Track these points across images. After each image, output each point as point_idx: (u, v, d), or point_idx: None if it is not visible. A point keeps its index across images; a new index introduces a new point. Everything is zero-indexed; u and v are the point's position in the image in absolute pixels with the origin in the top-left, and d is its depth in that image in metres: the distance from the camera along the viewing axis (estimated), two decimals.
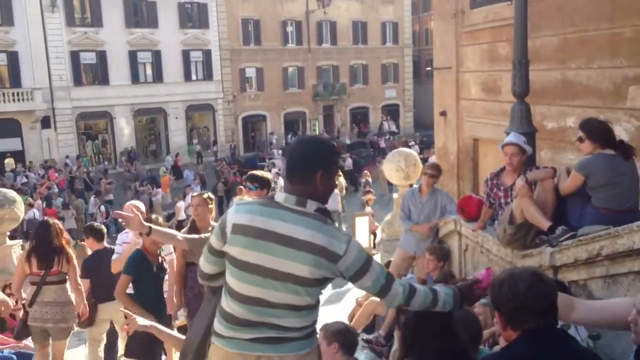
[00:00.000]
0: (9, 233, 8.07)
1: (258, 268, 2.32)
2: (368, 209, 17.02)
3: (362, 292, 8.55)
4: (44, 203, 20.43)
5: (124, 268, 4.95)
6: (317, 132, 39.93)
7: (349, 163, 27.45)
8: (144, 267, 4.79)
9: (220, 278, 2.54)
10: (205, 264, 2.59)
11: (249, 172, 5.61)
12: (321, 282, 2.35)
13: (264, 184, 5.09)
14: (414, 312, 2.70)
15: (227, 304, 2.44)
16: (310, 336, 2.46)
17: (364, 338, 5.76)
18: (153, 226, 3.85)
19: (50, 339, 5.24)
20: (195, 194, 5.97)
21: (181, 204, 18.25)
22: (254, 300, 2.35)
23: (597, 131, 4.12)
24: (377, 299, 6.86)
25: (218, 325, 2.48)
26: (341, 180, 21.34)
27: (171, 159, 31.11)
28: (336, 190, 19.29)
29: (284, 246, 2.28)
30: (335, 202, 19.35)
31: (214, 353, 2.52)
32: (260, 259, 2.31)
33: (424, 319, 2.69)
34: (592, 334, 3.43)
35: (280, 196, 2.38)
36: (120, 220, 3.85)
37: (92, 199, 20.93)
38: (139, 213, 3.93)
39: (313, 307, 2.41)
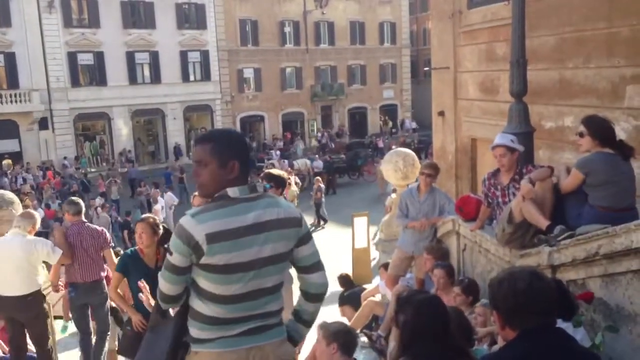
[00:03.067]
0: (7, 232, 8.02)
1: (250, 264, 2.35)
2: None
3: None
4: (42, 204, 20.35)
5: (116, 265, 5.12)
6: (315, 132, 40.00)
7: (318, 164, 26.92)
8: (136, 267, 4.79)
9: (182, 297, 2.49)
10: (168, 287, 2.45)
11: (265, 171, 5.42)
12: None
13: (279, 183, 4.92)
14: (413, 312, 2.71)
15: (208, 308, 2.40)
16: (282, 323, 2.58)
17: (366, 332, 5.77)
18: None
19: None
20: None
21: (158, 207, 18.15)
22: (246, 295, 2.38)
23: (599, 128, 4.11)
24: (376, 299, 6.89)
25: (199, 332, 2.43)
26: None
27: None
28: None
29: (264, 232, 2.37)
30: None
31: None
32: (249, 255, 2.35)
33: (423, 318, 2.70)
34: (608, 324, 3.42)
35: (233, 192, 2.39)
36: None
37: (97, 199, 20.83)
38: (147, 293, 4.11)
39: (282, 286, 2.54)
